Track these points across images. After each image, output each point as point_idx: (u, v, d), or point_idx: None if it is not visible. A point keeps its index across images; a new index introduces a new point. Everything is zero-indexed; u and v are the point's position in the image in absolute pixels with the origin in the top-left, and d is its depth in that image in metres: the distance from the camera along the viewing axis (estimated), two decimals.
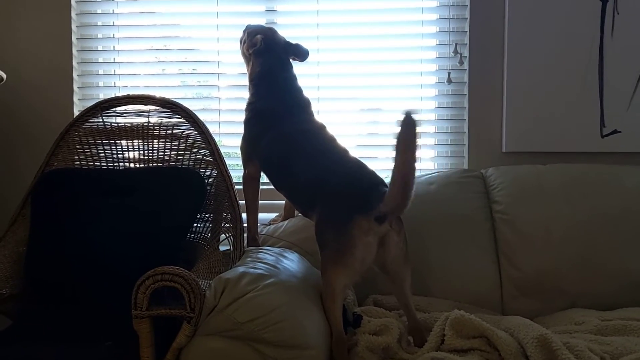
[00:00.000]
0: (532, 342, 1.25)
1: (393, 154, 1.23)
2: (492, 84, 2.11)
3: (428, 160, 2.22)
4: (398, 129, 1.22)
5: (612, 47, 2.04)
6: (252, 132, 1.66)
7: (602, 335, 1.42)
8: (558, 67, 2.06)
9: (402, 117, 1.21)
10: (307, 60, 2.12)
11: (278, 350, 1.20)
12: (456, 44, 2.12)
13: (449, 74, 2.13)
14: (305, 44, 2.13)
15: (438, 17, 2.17)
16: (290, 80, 1.69)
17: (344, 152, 1.50)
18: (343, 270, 1.31)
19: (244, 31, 1.77)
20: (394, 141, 1.23)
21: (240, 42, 1.77)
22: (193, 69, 2.28)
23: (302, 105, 1.65)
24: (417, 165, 1.25)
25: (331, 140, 1.54)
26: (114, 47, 2.25)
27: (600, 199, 1.78)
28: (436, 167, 2.20)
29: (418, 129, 1.21)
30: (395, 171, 1.24)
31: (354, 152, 1.53)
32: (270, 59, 1.69)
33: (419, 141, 1.23)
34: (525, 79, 2.07)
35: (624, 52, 2.03)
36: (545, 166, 1.91)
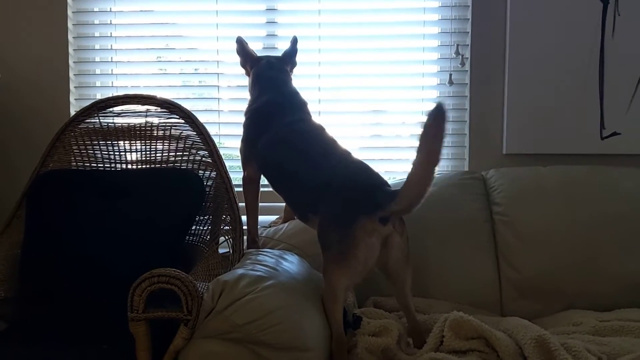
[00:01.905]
0: (530, 342, 1.25)
1: (416, 145, 1.19)
2: (493, 86, 2.10)
3: None
4: (426, 120, 1.18)
5: (613, 48, 2.03)
6: (249, 134, 1.66)
7: (600, 335, 1.43)
8: (559, 68, 2.06)
9: (433, 108, 1.17)
10: (308, 60, 2.12)
11: (277, 353, 1.19)
12: (458, 45, 2.12)
13: (451, 75, 2.12)
14: (306, 44, 2.15)
15: (440, 18, 2.16)
16: (282, 80, 1.69)
17: (346, 154, 1.49)
18: (345, 271, 1.30)
19: (236, 42, 1.78)
20: (420, 132, 1.18)
21: (237, 52, 1.79)
22: (195, 69, 2.26)
23: (296, 105, 1.64)
24: (440, 163, 1.20)
25: (332, 142, 1.52)
26: (111, 46, 2.24)
27: (600, 201, 1.78)
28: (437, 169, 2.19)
29: (447, 124, 1.17)
30: (416, 167, 1.21)
31: (356, 154, 1.51)
32: (262, 64, 1.72)
33: (445, 137, 1.18)
34: (526, 81, 2.07)
35: (624, 53, 2.03)
36: (545, 168, 1.91)
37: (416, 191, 1.23)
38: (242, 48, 1.77)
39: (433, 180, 1.21)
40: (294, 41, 1.78)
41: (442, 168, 2.18)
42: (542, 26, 2.05)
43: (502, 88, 2.10)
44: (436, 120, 1.18)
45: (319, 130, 1.57)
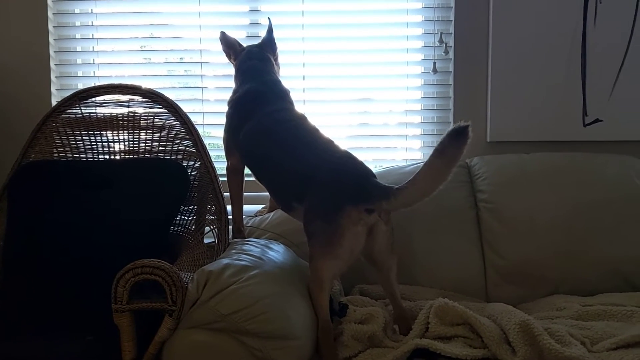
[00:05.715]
0: (514, 328, 1.26)
1: (430, 153, 1.21)
2: (476, 74, 2.11)
3: (414, 151, 2.22)
4: (445, 138, 1.18)
5: (595, 36, 2.05)
6: (231, 123, 1.65)
7: (583, 320, 1.45)
8: (541, 56, 2.06)
9: (457, 127, 1.17)
10: (293, 50, 2.10)
11: (262, 342, 1.19)
12: (441, 33, 2.12)
13: (435, 63, 2.12)
14: (290, 33, 2.12)
15: (423, 6, 2.16)
16: (263, 69, 1.69)
17: (329, 143, 1.49)
18: (331, 260, 1.31)
19: (220, 39, 1.80)
20: (437, 144, 1.20)
21: (222, 47, 1.80)
22: (180, 58, 2.23)
23: (278, 94, 1.63)
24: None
25: (314, 131, 1.52)
26: (92, 35, 2.20)
27: (582, 188, 1.80)
28: (422, 157, 2.20)
29: (467, 145, 1.18)
30: (420, 180, 1.23)
31: (341, 143, 1.51)
32: (244, 54, 1.73)
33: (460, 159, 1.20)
34: (510, 69, 2.07)
35: (606, 41, 2.04)
36: (528, 155, 1.93)
37: (413, 199, 1.25)
38: (226, 40, 1.78)
39: (434, 193, 1.22)
40: (269, 27, 1.78)
41: (428, 156, 2.17)
42: (524, 14, 2.06)
43: (486, 76, 2.10)
44: (454, 142, 1.18)
45: (301, 120, 1.56)
